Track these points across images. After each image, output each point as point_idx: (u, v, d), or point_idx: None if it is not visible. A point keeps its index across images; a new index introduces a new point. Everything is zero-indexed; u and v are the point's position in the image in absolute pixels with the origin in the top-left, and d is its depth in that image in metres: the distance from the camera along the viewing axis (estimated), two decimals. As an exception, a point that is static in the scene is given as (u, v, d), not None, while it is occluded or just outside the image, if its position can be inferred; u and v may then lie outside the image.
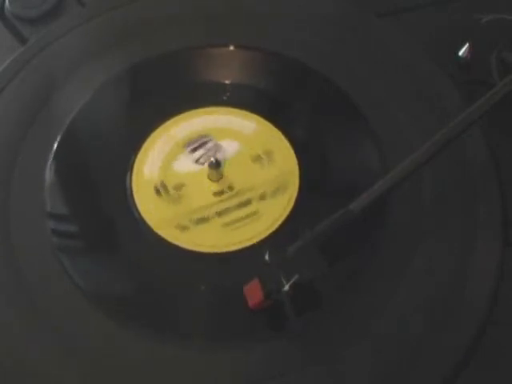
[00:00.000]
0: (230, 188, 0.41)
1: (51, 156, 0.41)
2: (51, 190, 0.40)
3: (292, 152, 0.41)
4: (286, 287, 0.34)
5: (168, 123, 0.43)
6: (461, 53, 0.44)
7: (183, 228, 0.39)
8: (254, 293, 0.35)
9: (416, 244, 0.38)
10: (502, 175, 0.40)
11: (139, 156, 0.42)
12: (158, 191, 0.40)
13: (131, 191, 0.40)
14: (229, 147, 0.42)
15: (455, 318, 0.36)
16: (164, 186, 0.40)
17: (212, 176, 0.41)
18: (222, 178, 0.41)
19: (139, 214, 0.39)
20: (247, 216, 0.39)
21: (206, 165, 0.41)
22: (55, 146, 0.41)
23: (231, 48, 0.45)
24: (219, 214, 0.40)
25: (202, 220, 0.39)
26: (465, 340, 0.35)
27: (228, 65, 0.46)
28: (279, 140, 0.42)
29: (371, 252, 0.38)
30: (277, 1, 0.48)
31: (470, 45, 0.44)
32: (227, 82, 0.45)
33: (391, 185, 0.36)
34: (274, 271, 0.34)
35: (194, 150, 0.41)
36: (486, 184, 0.40)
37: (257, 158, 0.41)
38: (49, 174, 0.40)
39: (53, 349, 0.35)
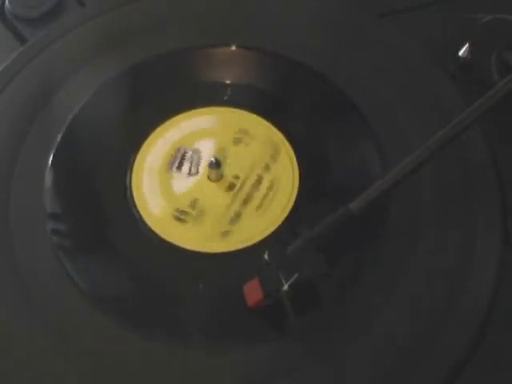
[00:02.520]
0: (236, 177, 0.41)
1: (51, 156, 0.41)
2: (51, 189, 0.40)
3: (292, 152, 0.41)
4: (286, 287, 0.34)
5: (168, 123, 0.43)
6: (461, 53, 0.44)
7: (225, 234, 0.39)
8: (253, 292, 0.35)
9: (416, 244, 0.38)
10: (501, 175, 0.40)
11: (139, 156, 0.42)
12: (180, 219, 0.39)
13: (131, 191, 0.40)
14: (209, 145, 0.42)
15: (455, 318, 0.36)
16: (182, 211, 0.40)
17: (213, 177, 0.41)
18: (222, 177, 0.41)
19: (138, 213, 0.39)
20: (268, 189, 0.40)
21: (200, 171, 0.41)
22: (55, 146, 0.41)
23: (231, 48, 0.45)
24: (245, 201, 0.40)
25: (237, 216, 0.39)
26: (465, 340, 0.35)
27: (228, 65, 0.46)
28: (279, 139, 0.42)
29: (371, 252, 0.38)
30: (277, 1, 0.48)
31: (469, 45, 0.44)
32: (227, 82, 0.45)
33: (391, 185, 0.36)
34: (273, 271, 0.34)
35: (179, 166, 0.41)
36: (485, 184, 0.40)
37: (237, 141, 0.42)
38: (49, 174, 0.40)
39: (53, 349, 0.35)
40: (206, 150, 0.42)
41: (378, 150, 0.41)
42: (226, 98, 0.44)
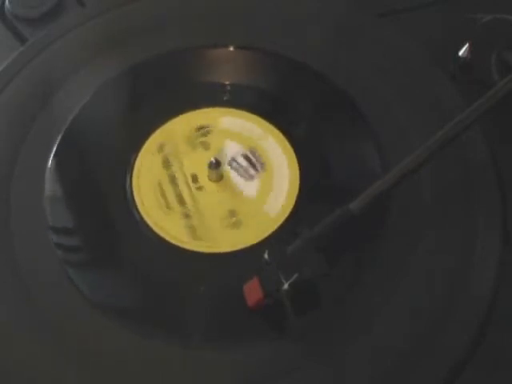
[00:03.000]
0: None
1: (51, 156, 0.41)
2: (51, 190, 0.40)
3: (292, 152, 0.41)
4: (286, 286, 0.34)
5: (168, 123, 0.43)
6: (461, 53, 0.44)
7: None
8: (253, 292, 0.35)
9: (416, 244, 0.37)
10: (501, 175, 0.40)
11: (139, 156, 0.42)
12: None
13: (131, 192, 0.40)
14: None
15: (455, 318, 0.35)
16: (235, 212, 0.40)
17: (213, 177, 0.41)
18: (222, 178, 0.41)
19: (139, 214, 0.39)
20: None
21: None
22: (55, 146, 0.41)
23: (231, 48, 0.45)
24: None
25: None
26: (465, 340, 0.35)
27: (227, 65, 0.46)
28: (279, 139, 0.42)
29: (371, 252, 0.37)
30: (277, 1, 0.48)
31: (469, 45, 0.44)
32: (227, 82, 0.45)
33: (391, 184, 0.36)
34: (273, 270, 0.34)
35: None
36: (485, 184, 0.40)
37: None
38: (49, 174, 0.40)
39: (53, 349, 0.35)
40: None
41: (378, 150, 0.41)
42: (225, 98, 0.44)
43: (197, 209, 0.40)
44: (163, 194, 0.40)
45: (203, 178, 0.41)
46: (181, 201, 0.40)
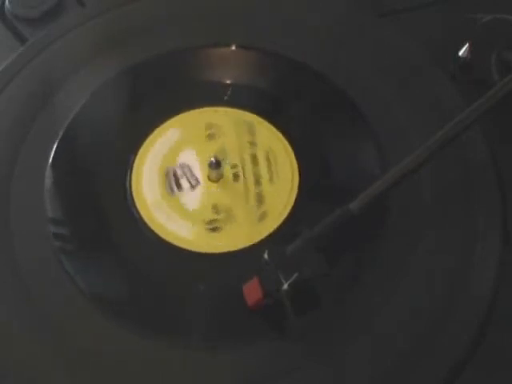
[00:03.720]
0: (234, 166, 0.41)
1: (51, 156, 0.41)
2: (51, 190, 0.40)
3: (292, 152, 0.41)
4: (285, 286, 0.34)
5: (168, 123, 0.43)
6: (461, 53, 0.44)
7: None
8: (253, 292, 0.35)
9: (416, 244, 0.38)
10: (501, 175, 0.40)
11: (139, 156, 0.42)
12: (214, 229, 0.39)
13: (131, 192, 0.40)
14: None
15: (455, 318, 0.35)
16: (210, 221, 0.39)
17: (214, 177, 0.41)
18: (222, 177, 0.41)
19: (138, 213, 0.39)
20: (267, 160, 0.41)
21: (200, 181, 0.41)
22: (55, 146, 0.41)
23: (231, 48, 0.45)
24: (256, 183, 0.40)
25: (260, 202, 0.40)
26: (465, 340, 0.35)
27: (227, 65, 0.46)
28: (279, 139, 0.42)
29: (371, 252, 0.37)
30: (277, 1, 0.48)
31: (469, 45, 0.44)
32: (227, 82, 0.45)
33: (390, 184, 0.36)
34: (273, 270, 0.34)
35: (178, 185, 0.41)
36: (485, 184, 0.40)
37: (210, 136, 0.42)
38: (49, 174, 0.40)
39: (53, 349, 0.35)
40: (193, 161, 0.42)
41: (378, 150, 0.41)
42: (225, 98, 0.44)
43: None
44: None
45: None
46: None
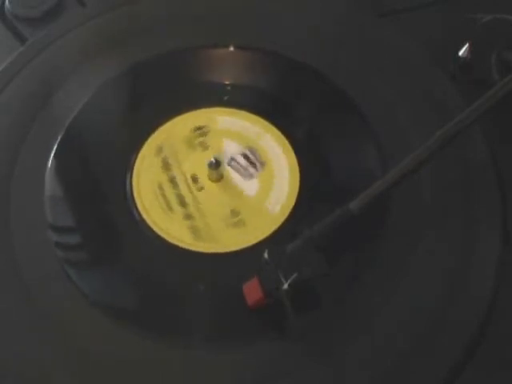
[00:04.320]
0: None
1: (51, 156, 0.41)
2: (51, 190, 0.40)
3: (292, 152, 0.41)
4: (285, 286, 0.34)
5: (168, 123, 0.43)
6: (461, 53, 0.44)
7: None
8: (253, 291, 0.35)
9: (416, 244, 0.37)
10: (502, 175, 0.40)
11: (139, 156, 0.42)
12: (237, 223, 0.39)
13: (131, 192, 0.40)
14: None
15: (455, 318, 0.35)
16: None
17: (213, 177, 0.41)
18: (222, 178, 0.41)
19: (139, 213, 0.39)
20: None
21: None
22: (55, 146, 0.41)
23: (231, 48, 0.45)
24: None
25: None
26: (465, 340, 0.35)
27: (227, 65, 0.46)
28: (279, 139, 0.42)
29: (371, 252, 0.37)
30: (277, 1, 0.48)
31: (469, 45, 0.44)
32: (227, 82, 0.45)
33: (390, 184, 0.36)
34: (273, 270, 0.34)
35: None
36: (485, 184, 0.40)
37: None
38: (49, 174, 0.40)
39: (53, 349, 0.35)
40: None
41: (378, 150, 0.41)
42: (225, 98, 0.44)
43: (198, 209, 0.40)
44: (164, 196, 0.40)
45: (203, 179, 0.41)
46: (182, 202, 0.40)
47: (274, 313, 0.35)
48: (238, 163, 0.41)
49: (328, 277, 0.35)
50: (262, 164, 0.41)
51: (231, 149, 0.42)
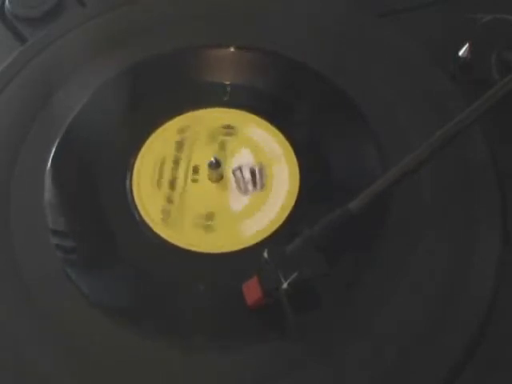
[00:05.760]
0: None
1: (51, 156, 0.41)
2: (51, 190, 0.40)
3: (292, 152, 0.41)
4: (285, 285, 0.34)
5: (168, 124, 0.43)
6: (461, 53, 0.44)
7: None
8: (252, 291, 0.35)
9: (416, 244, 0.37)
10: (501, 175, 0.40)
11: (139, 156, 0.42)
12: (213, 229, 0.39)
13: (131, 192, 0.40)
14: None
15: (455, 318, 0.35)
16: (210, 220, 0.39)
17: (214, 177, 0.41)
18: (220, 179, 0.41)
19: (139, 213, 0.39)
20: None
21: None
22: (55, 146, 0.41)
23: (231, 48, 0.45)
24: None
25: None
26: (465, 340, 0.35)
27: (227, 65, 0.46)
28: (279, 140, 0.42)
29: (371, 252, 0.37)
30: (277, 1, 0.48)
31: (469, 45, 0.44)
32: (227, 82, 0.45)
33: (390, 184, 0.36)
34: (272, 269, 0.34)
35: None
36: (485, 184, 0.40)
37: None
38: (49, 174, 0.40)
39: (53, 349, 0.35)
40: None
41: (378, 150, 0.41)
42: (225, 98, 0.44)
43: (181, 197, 0.40)
44: (160, 171, 0.41)
45: (203, 174, 0.41)
46: (172, 184, 0.40)
47: (273, 313, 0.35)
48: (241, 174, 0.41)
49: (328, 277, 0.35)
50: (263, 186, 0.41)
51: (244, 159, 0.42)
